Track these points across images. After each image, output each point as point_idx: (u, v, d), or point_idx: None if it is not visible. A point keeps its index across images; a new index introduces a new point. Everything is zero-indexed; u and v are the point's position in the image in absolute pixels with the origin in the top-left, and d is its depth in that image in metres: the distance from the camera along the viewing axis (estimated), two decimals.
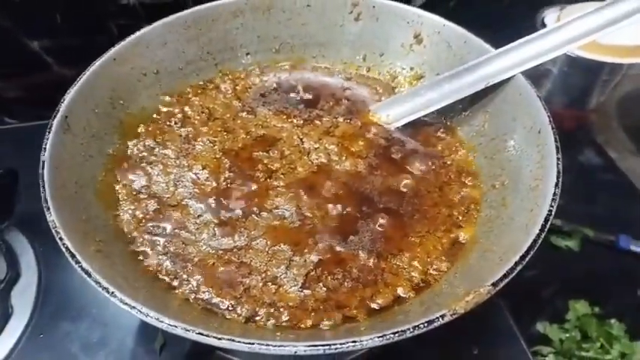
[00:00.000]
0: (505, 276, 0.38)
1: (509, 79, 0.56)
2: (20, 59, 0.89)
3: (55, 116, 0.50)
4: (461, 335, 0.60)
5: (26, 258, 0.65)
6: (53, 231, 0.41)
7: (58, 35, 0.87)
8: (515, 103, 0.55)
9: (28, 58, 0.88)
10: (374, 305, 0.45)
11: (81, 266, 0.39)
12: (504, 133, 0.55)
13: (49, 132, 0.48)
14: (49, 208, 0.42)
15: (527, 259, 0.40)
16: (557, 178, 0.45)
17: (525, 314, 0.66)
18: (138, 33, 0.59)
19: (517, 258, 0.39)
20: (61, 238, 0.40)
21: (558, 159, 0.47)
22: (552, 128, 0.49)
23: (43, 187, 0.44)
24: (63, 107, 0.51)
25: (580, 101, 1.04)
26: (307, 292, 0.46)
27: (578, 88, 1.04)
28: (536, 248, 0.40)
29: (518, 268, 0.39)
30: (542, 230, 0.41)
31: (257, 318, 0.44)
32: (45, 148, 0.47)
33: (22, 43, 0.86)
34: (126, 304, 0.36)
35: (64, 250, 0.40)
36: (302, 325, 0.43)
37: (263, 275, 0.47)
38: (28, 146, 0.81)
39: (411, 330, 0.35)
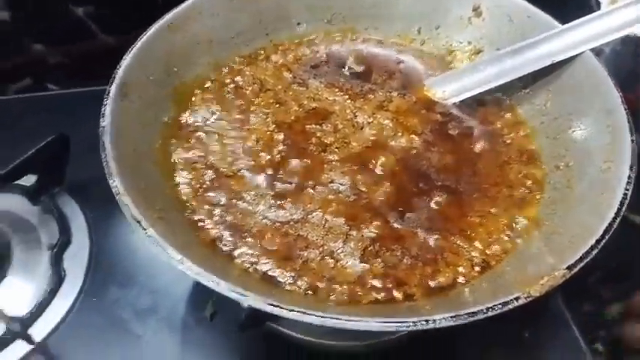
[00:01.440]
0: (581, 259, 0.37)
1: (574, 56, 0.53)
2: (64, 26, 0.88)
3: (112, 82, 0.49)
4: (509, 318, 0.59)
5: (77, 223, 0.66)
6: (117, 198, 0.41)
7: (103, 3, 0.86)
8: (581, 82, 0.53)
9: (72, 25, 0.88)
10: (433, 284, 0.45)
11: (148, 234, 0.38)
12: (569, 112, 0.53)
13: (107, 98, 0.48)
14: (111, 174, 0.42)
15: (602, 243, 0.38)
16: (632, 160, 0.43)
17: (577, 297, 0.64)
18: (188, 2, 0.58)
19: (593, 241, 0.38)
20: (125, 204, 0.40)
21: (632, 140, 0.45)
22: (625, 109, 0.47)
23: (105, 152, 0.44)
24: (120, 73, 0.50)
25: (632, 84, 1.00)
26: (366, 266, 0.45)
27: (630, 70, 1.00)
28: (611, 232, 0.39)
29: (594, 252, 0.38)
30: (617, 214, 0.40)
31: (317, 291, 0.43)
32: (104, 114, 0.47)
33: (66, 9, 0.86)
34: (196, 272, 0.36)
35: (128, 216, 0.40)
36: (363, 301, 0.43)
37: (320, 249, 0.46)
38: (74, 113, 0.83)
39: (484, 311, 0.35)
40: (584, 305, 0.66)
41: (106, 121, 0.46)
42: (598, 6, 0.99)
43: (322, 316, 0.34)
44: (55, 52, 0.91)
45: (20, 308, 0.57)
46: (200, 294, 0.61)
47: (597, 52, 1.00)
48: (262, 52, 0.65)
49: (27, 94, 0.90)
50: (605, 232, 0.39)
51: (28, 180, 0.66)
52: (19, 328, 0.55)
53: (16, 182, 0.65)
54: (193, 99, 0.58)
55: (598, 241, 0.38)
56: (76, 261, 0.62)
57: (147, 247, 0.64)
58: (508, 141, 0.56)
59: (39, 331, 0.57)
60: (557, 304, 0.63)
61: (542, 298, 0.36)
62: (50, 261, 0.61)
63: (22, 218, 0.66)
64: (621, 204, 0.40)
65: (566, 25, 0.54)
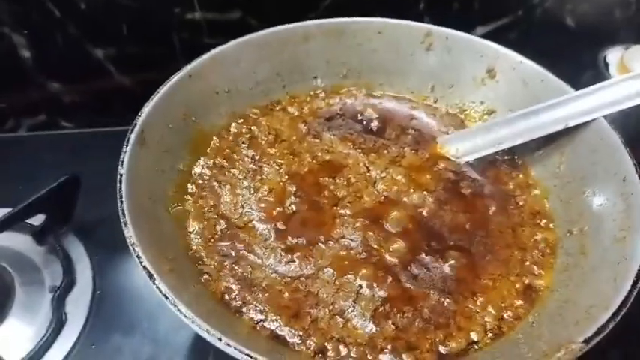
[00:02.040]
0: (597, 333, 0.37)
1: (589, 121, 0.54)
2: (82, 65, 0.90)
3: (132, 130, 0.50)
4: None
5: (82, 265, 0.65)
6: (131, 247, 0.41)
7: (122, 45, 0.89)
8: (595, 148, 0.53)
9: (90, 65, 0.90)
10: (445, 350, 0.44)
11: (158, 287, 0.38)
12: (582, 177, 0.53)
13: (127, 145, 0.48)
14: (126, 223, 0.42)
15: (620, 315, 0.38)
16: None
17: None
18: (213, 51, 0.60)
19: (609, 314, 0.37)
20: (138, 256, 0.40)
21: None
22: (639, 177, 0.47)
23: (121, 200, 0.44)
24: (140, 121, 0.51)
25: (636, 139, 1.00)
26: (376, 328, 0.44)
27: (636, 125, 1.01)
28: (628, 305, 0.38)
29: (611, 325, 0.37)
30: (634, 286, 0.39)
31: (326, 353, 0.42)
32: (122, 162, 0.47)
33: (86, 50, 0.88)
34: (205, 330, 0.35)
35: (141, 267, 0.39)
36: None
37: (330, 307, 0.46)
38: (85, 153, 0.84)
39: None
40: None
41: (124, 169, 0.46)
42: (606, 65, 1.02)
43: None
44: (70, 90, 0.92)
45: (19, 352, 0.56)
46: (201, 344, 0.59)
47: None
48: (278, 103, 0.66)
49: (40, 131, 0.91)
50: (622, 304, 0.38)
51: (36, 219, 0.66)
52: None
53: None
54: (209, 148, 0.58)
55: (615, 314, 0.37)
56: (79, 305, 0.61)
57: (150, 293, 0.63)
58: (520, 202, 0.56)
59: None
60: None
61: None
62: (52, 304, 0.60)
63: (27, 258, 0.65)
64: (637, 276, 0.40)
65: (581, 91, 0.55)
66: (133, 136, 0.49)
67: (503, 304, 0.46)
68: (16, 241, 0.66)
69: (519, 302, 0.47)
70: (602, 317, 0.37)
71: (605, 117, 0.53)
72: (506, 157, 0.60)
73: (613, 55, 1.02)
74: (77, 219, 0.69)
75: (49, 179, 0.65)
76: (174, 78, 0.55)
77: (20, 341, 0.57)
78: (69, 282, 0.62)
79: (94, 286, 0.63)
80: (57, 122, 0.93)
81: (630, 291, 0.39)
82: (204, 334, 0.36)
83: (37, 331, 0.58)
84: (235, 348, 0.35)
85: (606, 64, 1.02)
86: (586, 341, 0.36)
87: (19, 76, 0.87)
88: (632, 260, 0.41)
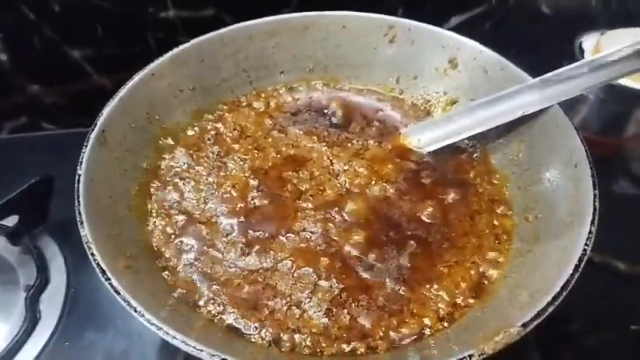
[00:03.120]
0: (536, 317, 0.37)
1: (546, 109, 0.55)
2: (60, 67, 0.91)
3: (92, 130, 0.51)
4: None
5: (56, 264, 0.66)
6: (85, 246, 0.42)
7: (98, 45, 0.89)
8: (551, 135, 0.54)
9: (68, 67, 0.91)
10: (398, 336, 0.45)
11: (111, 284, 0.39)
12: (539, 164, 0.54)
13: (86, 146, 0.49)
14: (82, 222, 0.43)
15: (559, 299, 0.39)
16: (594, 216, 0.44)
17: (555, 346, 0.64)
18: (176, 49, 0.61)
19: (549, 298, 0.38)
20: (92, 254, 0.41)
21: (595, 195, 0.45)
22: (590, 163, 0.48)
23: (78, 201, 0.45)
24: (101, 121, 0.52)
25: (616, 129, 1.01)
26: (332, 319, 0.45)
27: (614, 116, 1.01)
28: (569, 289, 0.39)
29: (550, 309, 0.38)
30: (575, 270, 0.40)
31: (280, 343, 0.43)
32: (81, 162, 0.48)
33: (63, 51, 0.89)
34: (153, 324, 0.37)
35: (94, 265, 0.41)
36: (325, 353, 0.43)
37: (288, 299, 0.47)
38: (64, 154, 0.84)
39: None
40: (564, 355, 0.66)
41: (82, 169, 0.47)
42: (582, 51, 1.02)
43: None
44: (50, 92, 0.93)
45: None
46: None
47: (581, 99, 1.02)
48: (245, 99, 0.66)
49: (20, 133, 0.92)
50: (563, 288, 0.39)
51: (9, 220, 0.67)
52: None
53: None
54: (173, 145, 0.59)
55: (554, 298, 0.38)
56: (52, 303, 0.62)
57: None
58: (480, 190, 0.57)
59: None
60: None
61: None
62: (26, 302, 0.61)
63: (1, 258, 0.66)
64: (580, 260, 0.41)
65: (538, 79, 0.55)
66: (92, 137, 0.50)
67: (457, 291, 0.47)
68: None
69: (472, 289, 0.48)
70: (543, 301, 0.38)
71: (561, 105, 0.54)
72: (467, 147, 0.61)
73: (589, 42, 1.02)
74: (52, 219, 0.70)
75: (24, 181, 0.66)
76: (136, 77, 0.56)
77: None
78: (43, 281, 0.64)
79: (68, 285, 0.64)
80: (38, 124, 0.94)
81: (572, 275, 0.40)
82: (153, 329, 0.37)
83: (11, 329, 0.59)
84: (186, 344, 0.36)
85: (582, 50, 1.03)
86: (524, 325, 0.37)
87: None
88: (576, 245, 0.42)
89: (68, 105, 0.95)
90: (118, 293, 0.39)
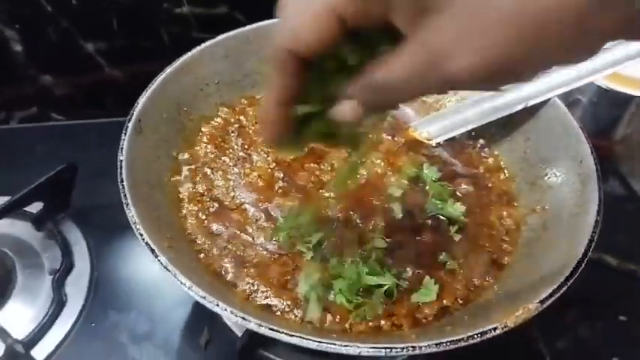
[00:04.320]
0: (551, 295, 0.41)
1: (550, 107, 0.59)
2: (74, 59, 0.93)
3: (129, 119, 0.53)
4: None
5: (79, 249, 0.68)
6: (133, 226, 0.44)
7: (112, 39, 0.91)
8: (556, 133, 0.58)
9: (81, 59, 0.92)
10: (420, 315, 0.48)
11: (159, 260, 0.42)
12: (545, 160, 0.58)
13: (125, 133, 0.52)
14: (128, 204, 0.46)
15: (571, 281, 0.42)
16: (599, 207, 0.48)
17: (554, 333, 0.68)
18: (203, 45, 0.63)
19: (562, 279, 0.42)
20: (141, 234, 0.44)
21: (600, 188, 0.50)
22: (594, 158, 0.52)
23: (122, 184, 0.47)
24: (137, 111, 0.54)
25: (607, 132, 1.06)
26: (360, 299, 0.48)
27: (605, 119, 1.07)
28: (579, 272, 0.43)
29: (563, 289, 0.42)
30: (584, 256, 0.44)
31: (312, 321, 0.47)
32: (122, 149, 0.51)
33: (77, 44, 0.90)
34: (204, 298, 0.39)
35: (143, 244, 0.43)
36: (354, 330, 0.46)
37: (317, 280, 0.50)
38: (78, 143, 0.87)
39: (465, 339, 0.38)
40: (560, 342, 0.70)
41: (124, 155, 0.50)
42: None
43: (319, 342, 0.37)
44: (61, 84, 0.95)
45: (22, 331, 0.59)
46: (196, 321, 0.63)
47: (575, 102, 1.07)
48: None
49: (32, 123, 0.93)
50: (574, 270, 0.43)
51: (34, 206, 0.69)
52: (22, 349, 0.57)
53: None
54: (201, 136, 0.62)
55: (567, 279, 0.42)
56: (78, 286, 0.65)
57: (146, 274, 0.67)
58: (489, 184, 0.61)
59: (39, 354, 0.58)
60: (536, 343, 0.66)
61: (517, 330, 0.40)
62: (52, 286, 0.63)
63: (27, 243, 0.68)
64: (588, 246, 0.45)
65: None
66: (130, 125, 0.52)
67: (472, 275, 0.51)
68: (16, 227, 0.69)
69: (487, 274, 0.51)
70: (556, 282, 0.42)
71: (574, 110, 0.59)
72: (477, 144, 0.65)
73: None
74: (74, 205, 0.73)
75: (41, 168, 0.68)
76: (167, 70, 0.59)
77: (23, 322, 0.61)
78: (67, 265, 0.66)
79: (92, 269, 0.67)
80: (48, 114, 0.96)
81: (581, 259, 0.44)
82: (202, 301, 0.40)
83: (38, 312, 0.62)
84: (232, 312, 0.39)
85: None
86: (541, 302, 0.41)
87: (10, 69, 0.90)
88: (584, 232, 0.46)
89: (79, 97, 0.97)
90: (167, 269, 0.41)
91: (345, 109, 0.31)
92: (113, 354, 0.60)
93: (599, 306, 0.75)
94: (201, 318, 0.63)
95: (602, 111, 1.05)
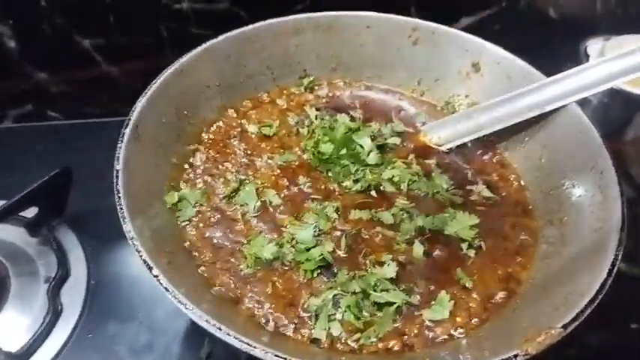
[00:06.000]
0: (575, 318, 0.39)
1: (568, 114, 0.56)
2: (70, 55, 0.90)
3: (126, 125, 0.51)
4: None
5: (76, 256, 0.66)
6: (130, 242, 0.42)
7: (110, 35, 0.88)
8: (574, 141, 0.55)
9: (77, 55, 0.89)
10: (432, 334, 0.46)
11: (159, 280, 0.39)
12: (562, 169, 0.56)
13: (122, 141, 0.49)
14: (124, 218, 0.43)
15: (596, 302, 0.40)
16: (623, 222, 0.46)
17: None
18: (204, 45, 0.60)
19: (586, 301, 0.40)
20: (138, 250, 0.41)
21: (623, 202, 0.47)
22: (615, 171, 0.50)
23: (119, 196, 0.45)
24: (134, 116, 0.52)
25: (617, 133, 1.04)
26: (368, 317, 0.46)
27: (616, 120, 1.04)
28: (604, 292, 0.41)
29: (588, 311, 0.40)
30: (609, 275, 0.42)
31: (320, 341, 0.44)
32: (118, 157, 0.48)
33: (73, 40, 0.87)
34: (207, 321, 0.37)
35: (141, 261, 0.41)
36: (364, 351, 0.44)
37: (323, 296, 0.47)
38: (72, 144, 0.84)
39: None
40: (569, 349, 0.68)
41: (120, 165, 0.47)
42: (587, 56, 1.04)
43: None
44: (57, 81, 0.92)
45: (16, 342, 0.57)
46: (196, 332, 0.61)
47: (585, 102, 1.04)
48: (268, 96, 0.67)
49: (27, 122, 0.91)
50: (598, 292, 0.40)
51: (29, 211, 0.66)
52: None
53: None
54: (202, 142, 0.59)
55: (591, 301, 0.40)
56: (74, 295, 0.62)
57: (145, 282, 0.64)
58: (503, 193, 0.58)
59: None
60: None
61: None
62: (47, 294, 0.61)
63: (21, 250, 0.66)
64: (612, 265, 0.42)
65: (552, 78, 0.57)
66: (127, 132, 0.50)
67: (486, 291, 0.49)
68: (10, 233, 0.67)
69: (501, 289, 0.49)
70: (580, 304, 0.40)
71: (584, 111, 0.56)
72: (490, 151, 0.62)
73: (593, 46, 1.04)
74: (69, 210, 0.70)
75: (36, 170, 0.65)
76: (166, 73, 0.56)
77: (17, 331, 0.58)
78: (63, 273, 0.63)
79: (89, 277, 0.64)
80: (44, 113, 0.93)
81: (606, 279, 0.41)
82: (204, 324, 0.38)
83: (33, 321, 0.59)
84: (235, 337, 0.37)
85: (587, 55, 1.05)
86: (564, 327, 0.39)
87: (4, 66, 0.87)
88: (608, 250, 0.44)
89: (75, 94, 0.94)
90: (167, 290, 0.39)
91: None
92: None
93: (609, 313, 0.73)
94: (202, 328, 0.60)
95: (612, 112, 1.03)
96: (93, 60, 0.91)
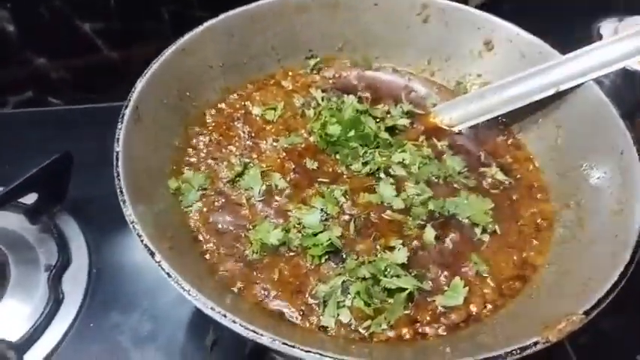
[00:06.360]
0: (597, 305, 0.37)
1: (584, 92, 0.54)
2: (70, 40, 0.88)
3: (126, 106, 0.49)
4: None
5: (77, 243, 0.65)
6: (130, 226, 0.40)
7: (110, 19, 0.86)
8: (592, 120, 0.53)
9: (77, 40, 0.87)
10: (446, 321, 0.44)
11: (161, 266, 0.38)
12: (579, 150, 0.53)
13: (122, 122, 0.47)
14: (125, 201, 0.42)
15: (618, 288, 0.38)
16: None
17: None
18: (206, 24, 0.58)
19: (609, 287, 0.38)
20: (139, 235, 0.39)
21: None
22: (637, 150, 0.47)
23: (118, 178, 0.43)
24: (134, 97, 0.50)
25: (630, 114, 1.01)
26: (378, 304, 0.44)
27: (629, 101, 1.01)
28: (627, 277, 0.39)
29: (610, 297, 0.38)
30: (632, 260, 0.40)
31: (329, 328, 0.43)
32: (118, 139, 0.46)
33: (73, 24, 0.85)
34: (211, 309, 0.35)
35: (142, 247, 0.39)
36: (375, 339, 0.42)
37: (332, 283, 0.45)
38: (72, 129, 0.82)
39: (503, 356, 0.34)
40: (583, 336, 0.66)
41: (120, 146, 0.45)
42: (599, 37, 1.01)
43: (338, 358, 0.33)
44: (57, 66, 0.90)
45: (16, 331, 0.56)
46: (201, 320, 0.60)
47: (597, 83, 1.01)
48: (272, 77, 0.64)
49: (28, 108, 0.89)
50: (621, 277, 0.38)
51: (28, 198, 0.64)
52: (15, 355, 0.53)
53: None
54: (205, 124, 0.57)
55: (614, 286, 0.38)
56: (75, 283, 0.61)
57: (149, 270, 0.63)
58: (518, 175, 0.56)
59: (35, 357, 0.55)
60: None
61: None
62: (48, 282, 0.59)
63: (21, 237, 0.64)
64: (635, 250, 0.40)
65: (569, 55, 0.55)
66: (127, 112, 0.48)
67: (502, 276, 0.47)
68: (9, 220, 0.65)
69: (517, 275, 0.47)
70: (602, 290, 0.38)
71: (602, 88, 0.53)
72: (503, 132, 0.60)
73: (607, 27, 1.01)
74: (69, 196, 0.69)
75: (37, 157, 0.63)
76: (167, 52, 0.54)
77: (17, 320, 0.57)
78: (64, 260, 0.62)
79: (90, 265, 0.63)
80: (44, 99, 0.91)
81: (628, 264, 0.39)
82: (209, 312, 0.36)
83: (34, 310, 0.58)
84: (241, 325, 0.35)
85: (600, 36, 1.02)
86: (586, 313, 0.37)
87: (3, 51, 0.85)
88: (630, 233, 0.42)
89: (75, 79, 0.92)
90: (169, 275, 0.37)
91: None
92: (114, 357, 0.56)
93: (622, 298, 0.71)
94: (207, 316, 0.59)
95: (625, 92, 1.00)
96: (93, 45, 0.89)
